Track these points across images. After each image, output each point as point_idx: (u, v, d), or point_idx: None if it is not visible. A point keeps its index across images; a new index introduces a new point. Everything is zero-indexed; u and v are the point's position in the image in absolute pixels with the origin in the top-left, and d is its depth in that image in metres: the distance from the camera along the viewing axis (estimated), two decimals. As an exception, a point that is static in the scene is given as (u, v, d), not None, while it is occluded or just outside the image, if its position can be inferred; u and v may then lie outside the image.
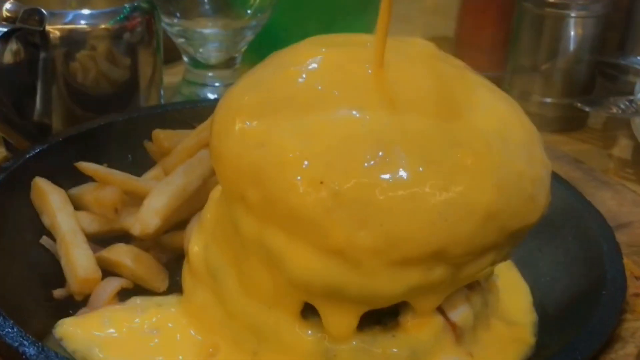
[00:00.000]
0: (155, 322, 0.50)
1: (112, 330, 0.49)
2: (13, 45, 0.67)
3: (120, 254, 0.55)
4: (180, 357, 0.48)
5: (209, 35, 0.84)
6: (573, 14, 0.82)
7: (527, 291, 0.56)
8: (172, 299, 0.52)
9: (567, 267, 0.55)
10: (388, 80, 0.47)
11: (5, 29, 0.64)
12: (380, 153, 0.43)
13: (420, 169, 0.43)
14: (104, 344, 0.49)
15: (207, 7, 0.83)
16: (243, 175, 0.45)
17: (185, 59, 0.87)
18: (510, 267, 0.57)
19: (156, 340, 0.49)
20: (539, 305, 0.55)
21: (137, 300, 0.52)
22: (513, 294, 0.55)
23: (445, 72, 0.49)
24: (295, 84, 0.48)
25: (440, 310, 0.47)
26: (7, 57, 0.67)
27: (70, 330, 0.50)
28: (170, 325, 0.50)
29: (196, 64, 0.86)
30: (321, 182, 0.43)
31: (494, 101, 0.48)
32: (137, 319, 0.50)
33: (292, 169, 0.43)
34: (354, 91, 0.46)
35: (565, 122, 0.86)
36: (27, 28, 0.66)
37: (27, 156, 0.60)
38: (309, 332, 0.46)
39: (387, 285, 0.44)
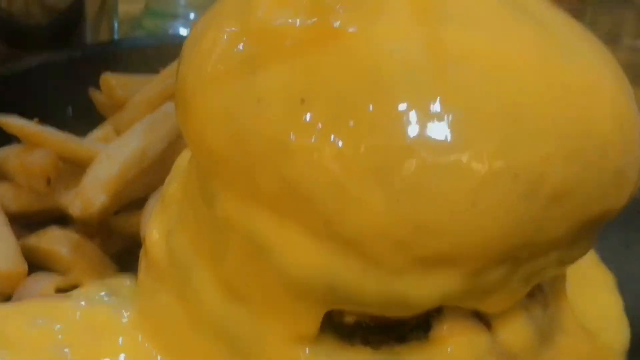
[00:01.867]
0: (97, 329, 0.50)
1: (34, 331, 0.49)
2: None
3: (54, 241, 0.55)
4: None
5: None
6: None
7: (617, 299, 0.56)
8: (124, 299, 0.52)
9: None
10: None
11: None
12: (406, 105, 0.43)
13: (468, 129, 0.43)
14: (14, 348, 0.48)
15: None
16: (225, 138, 0.46)
17: (144, -21, 0.87)
18: (594, 265, 0.57)
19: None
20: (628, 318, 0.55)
21: (78, 292, 0.53)
22: (595, 302, 0.55)
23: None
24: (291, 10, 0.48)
25: (487, 323, 0.48)
26: None
27: None
28: (118, 337, 0.50)
29: (161, -13, 0.86)
30: (328, 141, 0.43)
31: (575, 43, 0.48)
32: (74, 318, 0.50)
33: (288, 119, 0.44)
34: (369, 15, 0.46)
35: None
36: None
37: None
38: (307, 350, 0.46)
39: (415, 286, 0.44)
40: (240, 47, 0.47)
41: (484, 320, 0.48)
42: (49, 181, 0.57)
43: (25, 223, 0.57)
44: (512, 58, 0.45)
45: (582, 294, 0.53)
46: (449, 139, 0.42)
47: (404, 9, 0.46)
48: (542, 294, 0.50)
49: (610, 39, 0.83)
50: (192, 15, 0.87)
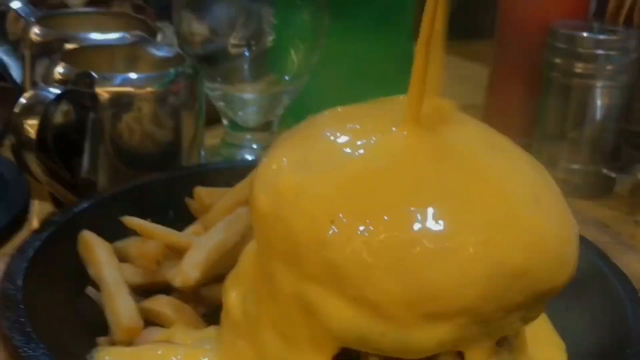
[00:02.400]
0: None
1: None
2: (64, 106, 0.68)
3: (162, 304, 0.55)
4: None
5: (247, 99, 0.85)
6: (599, 84, 0.82)
7: (562, 346, 0.55)
8: (211, 345, 0.52)
9: (593, 325, 0.55)
10: (421, 141, 0.47)
11: (58, 92, 0.66)
12: (413, 208, 0.44)
13: (453, 226, 0.43)
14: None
15: (246, 72, 0.84)
16: (279, 233, 0.46)
17: (224, 121, 0.88)
18: (544, 322, 0.57)
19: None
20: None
21: (180, 340, 0.53)
22: (548, 348, 0.54)
23: (481, 136, 0.50)
24: (331, 145, 0.48)
25: None
26: (58, 117, 0.68)
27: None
28: None
29: (235, 126, 0.87)
30: (357, 236, 0.43)
31: (524, 165, 0.49)
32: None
33: (327, 225, 0.44)
34: (386, 150, 0.47)
35: (592, 188, 0.86)
36: (78, 90, 0.68)
37: (75, 210, 0.60)
38: None
39: (418, 337, 0.44)
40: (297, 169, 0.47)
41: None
42: (158, 263, 0.58)
43: (141, 292, 0.57)
44: (485, 182, 0.46)
45: (534, 344, 0.52)
46: (444, 232, 0.43)
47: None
48: (507, 342, 0.49)
49: (550, 163, 0.83)
50: (254, 146, 0.86)
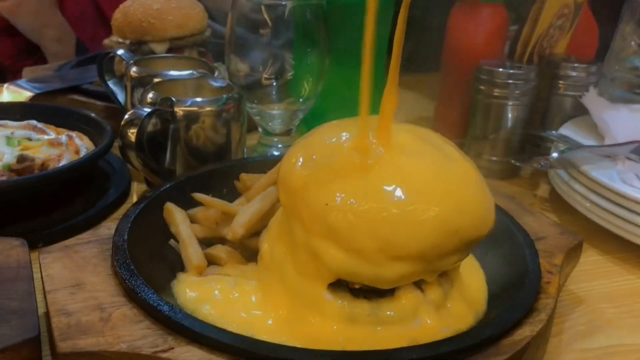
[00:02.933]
0: (239, 289, 0.51)
1: (215, 291, 0.50)
2: (153, 120, 0.69)
3: (219, 250, 0.56)
4: (256, 312, 0.48)
5: (275, 114, 0.85)
6: (510, 103, 0.82)
7: (483, 277, 0.55)
8: (252, 276, 0.52)
9: (503, 264, 0.55)
10: (389, 143, 0.48)
11: (149, 109, 0.66)
12: (382, 189, 0.44)
13: (409, 200, 0.44)
14: (208, 300, 0.49)
15: (274, 96, 0.83)
16: (297, 202, 0.47)
17: (259, 129, 0.87)
18: (470, 259, 0.57)
19: (238, 301, 0.50)
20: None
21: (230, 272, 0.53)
22: (474, 279, 0.54)
23: (429, 139, 0.50)
24: (329, 146, 0.49)
25: (421, 289, 0.48)
26: (150, 127, 0.69)
27: (183, 287, 0.51)
28: (250, 293, 0.50)
29: (266, 133, 0.87)
30: (346, 207, 0.44)
31: (457, 158, 0.49)
32: (229, 285, 0.51)
33: (327, 199, 0.44)
34: (366, 150, 0.47)
35: (505, 173, 0.86)
36: (162, 109, 0.68)
37: (161, 189, 0.61)
38: (339, 301, 0.47)
39: (387, 272, 0.44)
40: (306, 164, 0.48)
41: (419, 287, 0.48)
42: (217, 223, 0.58)
43: (205, 243, 0.57)
44: (429, 169, 0.47)
45: (464, 276, 0.52)
46: (405, 202, 0.44)
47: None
48: (447, 275, 0.50)
49: (477, 156, 0.83)
50: (280, 145, 0.85)
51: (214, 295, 0.50)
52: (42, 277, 0.50)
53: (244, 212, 0.56)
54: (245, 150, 0.79)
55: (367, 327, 0.46)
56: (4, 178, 0.66)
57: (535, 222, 0.61)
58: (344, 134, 0.50)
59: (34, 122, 0.80)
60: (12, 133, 0.76)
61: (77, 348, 0.42)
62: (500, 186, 0.82)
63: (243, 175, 0.64)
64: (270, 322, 0.47)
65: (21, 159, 0.69)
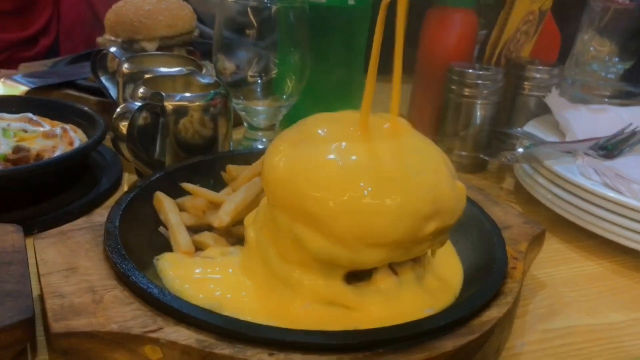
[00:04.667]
0: (223, 270, 0.50)
1: (197, 270, 0.50)
2: (144, 114, 0.68)
3: (206, 237, 0.55)
4: (239, 293, 0.48)
5: (259, 110, 0.84)
6: (479, 102, 0.82)
7: (459, 263, 0.55)
8: (235, 260, 0.52)
9: (473, 251, 0.55)
10: (367, 136, 0.47)
11: (140, 104, 0.65)
12: (360, 179, 0.44)
13: (385, 190, 0.43)
14: (190, 280, 0.49)
15: (259, 93, 0.83)
16: (280, 192, 0.46)
17: (245, 124, 0.87)
18: (450, 247, 0.56)
19: (219, 283, 0.49)
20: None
21: (213, 255, 0.53)
22: (449, 264, 0.54)
23: (405, 132, 0.50)
24: (312, 139, 0.48)
25: (395, 272, 0.48)
26: (140, 121, 0.68)
27: (167, 266, 0.51)
28: (233, 275, 0.50)
29: (251, 127, 0.86)
30: (326, 196, 0.43)
31: (429, 150, 0.49)
32: (212, 267, 0.50)
33: (308, 187, 0.44)
34: (346, 142, 0.46)
35: (474, 167, 0.87)
36: (153, 103, 0.67)
37: (151, 179, 0.60)
38: (319, 284, 0.46)
39: (365, 257, 0.44)
40: (289, 155, 0.47)
41: (394, 270, 0.48)
42: (204, 212, 0.57)
43: (193, 230, 0.56)
44: (404, 160, 0.46)
45: (438, 254, 0.52)
46: (381, 193, 0.44)
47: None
48: (419, 259, 0.50)
49: (448, 151, 0.83)
50: (264, 139, 0.85)
51: (198, 275, 0.49)
52: (36, 262, 0.49)
53: (230, 201, 0.56)
54: (231, 143, 0.78)
55: (344, 308, 0.46)
56: (0, 167, 0.65)
57: (502, 212, 0.61)
58: (324, 126, 0.49)
59: (29, 114, 0.78)
60: (8, 125, 0.75)
61: (70, 328, 0.41)
62: (469, 179, 0.82)
63: (229, 167, 0.63)
64: (252, 302, 0.47)
65: (17, 149, 0.68)
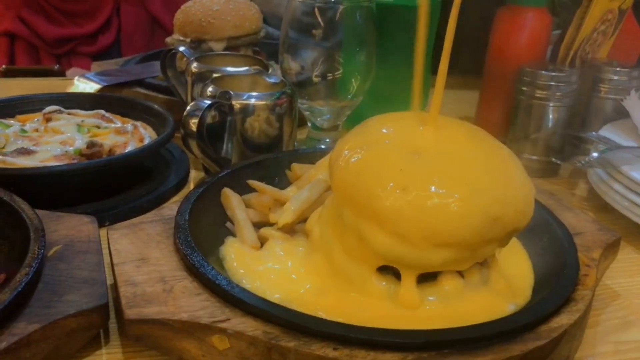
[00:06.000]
0: (283, 266, 0.52)
1: (260, 263, 0.51)
2: (212, 112, 0.70)
3: (271, 233, 0.56)
4: (304, 288, 0.49)
5: (323, 110, 0.85)
6: (551, 104, 0.81)
7: (529, 266, 0.54)
8: (298, 255, 0.53)
9: (544, 256, 0.55)
10: (436, 135, 0.48)
11: (209, 102, 0.68)
12: (428, 178, 0.44)
13: (454, 189, 0.44)
14: (253, 273, 0.50)
15: (323, 94, 0.84)
16: (347, 190, 0.47)
17: (309, 124, 0.88)
18: (515, 243, 0.56)
19: (281, 277, 0.50)
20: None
21: (277, 250, 0.54)
22: (519, 267, 0.54)
23: (474, 133, 0.50)
24: (379, 138, 0.49)
25: (461, 274, 0.48)
26: (209, 119, 0.70)
27: (232, 256, 0.53)
28: (299, 271, 0.51)
29: (315, 127, 0.87)
30: (395, 194, 0.44)
31: (499, 150, 0.49)
32: (275, 261, 0.52)
33: (376, 185, 0.45)
34: (415, 140, 0.47)
35: (545, 171, 0.85)
36: (221, 102, 0.70)
37: (219, 176, 0.62)
38: (383, 283, 0.47)
39: (431, 257, 0.45)
40: (358, 152, 0.48)
41: (460, 273, 0.48)
42: (269, 209, 0.58)
43: (258, 226, 0.57)
44: (474, 160, 0.47)
45: (508, 256, 0.52)
46: (450, 193, 0.44)
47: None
48: (486, 262, 0.50)
49: (518, 154, 0.81)
50: (327, 139, 0.85)
51: (261, 267, 0.51)
52: (110, 252, 0.51)
53: (295, 200, 0.57)
54: (295, 143, 0.80)
55: (408, 308, 0.47)
56: (75, 161, 0.69)
57: (574, 218, 0.60)
58: (391, 126, 0.50)
59: (102, 111, 0.83)
60: (82, 121, 0.79)
61: (142, 315, 0.44)
62: (539, 184, 0.80)
63: (294, 165, 0.65)
64: (314, 297, 0.48)
65: (91, 144, 0.72)
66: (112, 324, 0.50)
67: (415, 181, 0.44)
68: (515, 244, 0.56)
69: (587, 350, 0.51)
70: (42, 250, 0.48)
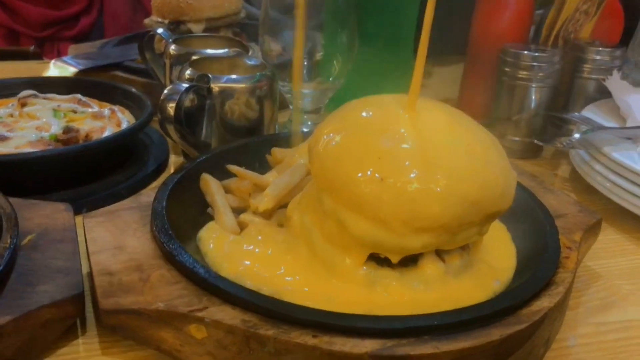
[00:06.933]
0: (263, 251, 0.51)
1: (238, 247, 0.51)
2: (190, 95, 0.69)
3: (250, 218, 0.55)
4: (283, 274, 0.48)
5: (305, 93, 0.84)
6: (534, 85, 0.81)
7: (513, 249, 0.54)
8: (278, 241, 0.52)
9: (525, 239, 0.55)
10: (416, 119, 0.47)
11: (187, 85, 0.66)
12: (407, 163, 0.44)
13: (433, 174, 0.44)
14: (231, 258, 0.50)
15: (305, 75, 0.82)
16: (326, 175, 0.47)
17: (290, 107, 0.87)
18: (498, 226, 0.56)
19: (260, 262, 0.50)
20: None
21: (260, 237, 0.53)
22: (501, 250, 0.54)
23: (455, 117, 0.49)
24: (359, 122, 0.48)
25: (442, 258, 0.48)
26: (187, 103, 0.69)
27: (210, 242, 0.52)
28: (278, 256, 0.50)
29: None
30: (374, 179, 0.44)
31: (480, 134, 0.48)
32: (254, 246, 0.51)
33: (355, 171, 0.44)
34: (394, 125, 0.47)
35: (527, 153, 0.85)
36: (199, 85, 0.68)
37: (198, 161, 0.61)
38: (364, 267, 0.47)
39: (411, 242, 0.44)
40: (337, 137, 0.48)
41: (440, 256, 0.48)
42: (249, 195, 0.57)
43: (238, 212, 0.57)
44: (453, 144, 0.46)
45: (491, 239, 0.52)
46: (428, 177, 0.44)
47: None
48: (467, 247, 0.50)
49: (500, 136, 0.82)
50: (309, 122, 0.84)
51: (244, 255, 0.50)
52: (85, 240, 0.50)
53: (274, 185, 0.56)
54: (277, 126, 0.79)
55: (390, 294, 0.46)
56: (50, 147, 0.67)
57: (556, 200, 0.60)
58: (370, 109, 0.50)
59: (78, 96, 0.81)
60: (58, 106, 0.78)
61: (118, 305, 0.43)
62: (522, 165, 0.80)
63: (274, 150, 0.64)
64: (293, 284, 0.47)
65: (67, 129, 0.71)
66: (90, 314, 0.49)
67: (394, 166, 0.44)
68: (498, 227, 0.55)
69: (568, 332, 0.51)
70: (15, 240, 0.47)
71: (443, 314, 0.42)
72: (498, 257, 0.52)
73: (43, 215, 0.54)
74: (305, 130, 0.84)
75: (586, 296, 0.56)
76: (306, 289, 0.47)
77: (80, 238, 0.52)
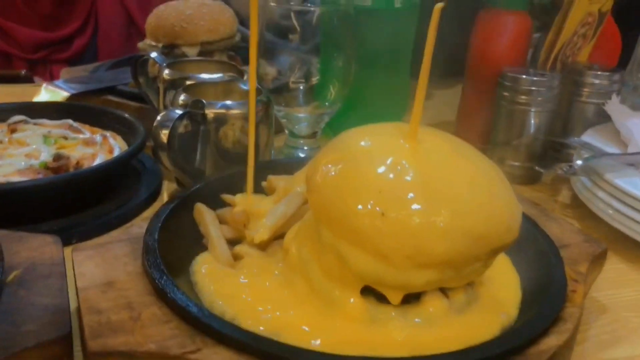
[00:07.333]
0: (259, 286, 0.49)
1: (233, 283, 0.49)
2: (184, 122, 0.68)
3: (245, 250, 0.54)
4: (279, 310, 0.46)
5: (301, 117, 0.83)
6: (533, 109, 0.80)
7: (518, 282, 0.52)
8: (274, 274, 0.51)
9: (529, 271, 0.53)
10: (417, 150, 0.46)
11: (181, 112, 0.65)
12: (411, 195, 0.42)
13: (436, 208, 0.42)
14: (226, 294, 0.48)
15: (301, 100, 0.82)
16: (325, 207, 0.45)
17: (286, 131, 0.86)
18: (502, 259, 0.54)
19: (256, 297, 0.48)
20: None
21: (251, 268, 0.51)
22: (506, 284, 0.52)
23: (458, 147, 0.48)
24: (359, 151, 0.47)
25: (446, 294, 0.46)
26: (181, 129, 0.68)
27: (203, 276, 0.50)
28: (274, 292, 0.49)
29: (293, 135, 0.85)
30: (375, 212, 0.42)
31: (484, 165, 0.47)
32: (249, 280, 0.50)
33: (355, 203, 0.43)
34: (395, 156, 0.45)
35: (527, 178, 0.84)
36: (194, 111, 0.67)
37: (192, 189, 0.59)
38: (364, 305, 0.45)
39: (413, 278, 0.43)
40: (335, 168, 0.46)
41: (445, 292, 0.46)
42: (244, 225, 0.56)
43: (233, 243, 0.55)
44: (457, 177, 0.44)
45: (494, 272, 0.50)
46: (431, 211, 0.42)
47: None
48: (472, 282, 0.48)
49: (499, 162, 0.81)
50: (305, 148, 0.84)
51: (239, 290, 0.48)
52: (74, 274, 0.48)
53: (271, 216, 0.55)
54: (272, 151, 0.77)
55: (391, 332, 0.44)
56: (40, 176, 0.65)
57: (559, 229, 0.58)
58: (370, 139, 0.48)
59: (70, 121, 0.79)
60: (49, 132, 0.76)
61: (107, 347, 0.41)
62: (522, 191, 0.80)
63: (270, 177, 0.62)
64: (294, 322, 0.45)
65: (57, 157, 0.69)
66: (78, 352, 0.47)
67: (396, 200, 0.42)
68: (503, 260, 0.54)
69: (576, 369, 0.49)
70: (0, 277, 0.45)
71: (448, 355, 0.40)
72: (501, 287, 0.51)
73: (30, 248, 0.52)
74: (301, 155, 0.84)
75: (593, 329, 0.54)
76: (304, 327, 0.44)
77: (69, 271, 0.49)
